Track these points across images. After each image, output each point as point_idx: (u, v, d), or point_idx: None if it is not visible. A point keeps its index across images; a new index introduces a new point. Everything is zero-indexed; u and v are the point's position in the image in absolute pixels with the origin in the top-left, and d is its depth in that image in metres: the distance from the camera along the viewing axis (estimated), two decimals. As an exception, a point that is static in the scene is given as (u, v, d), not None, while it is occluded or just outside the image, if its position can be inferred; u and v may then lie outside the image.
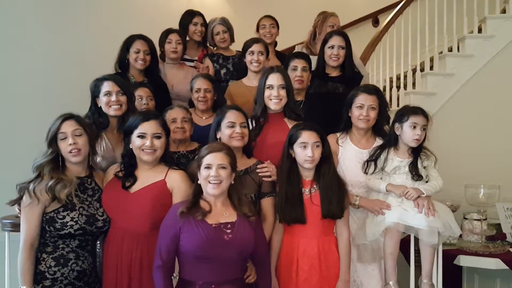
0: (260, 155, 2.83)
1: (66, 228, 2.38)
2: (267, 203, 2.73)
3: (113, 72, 3.48)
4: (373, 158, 2.89)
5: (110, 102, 2.83)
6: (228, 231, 2.35)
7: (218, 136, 2.74)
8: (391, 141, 2.90)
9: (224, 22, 4.14)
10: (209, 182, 2.36)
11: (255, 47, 3.52)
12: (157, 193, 2.54)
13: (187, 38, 4.14)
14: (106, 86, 2.84)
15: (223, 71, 4.04)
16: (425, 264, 2.86)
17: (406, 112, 2.86)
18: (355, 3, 6.82)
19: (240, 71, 3.81)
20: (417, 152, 2.84)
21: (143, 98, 3.23)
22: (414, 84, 5.09)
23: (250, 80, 3.56)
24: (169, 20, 4.35)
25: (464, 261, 3.40)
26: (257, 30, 4.19)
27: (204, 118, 3.44)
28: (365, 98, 2.91)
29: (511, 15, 5.01)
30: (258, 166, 2.75)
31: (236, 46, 4.09)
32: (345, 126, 3.03)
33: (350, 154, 2.98)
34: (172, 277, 2.46)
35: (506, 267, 3.30)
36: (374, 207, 2.83)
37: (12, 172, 2.65)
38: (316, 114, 3.12)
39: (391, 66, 5.18)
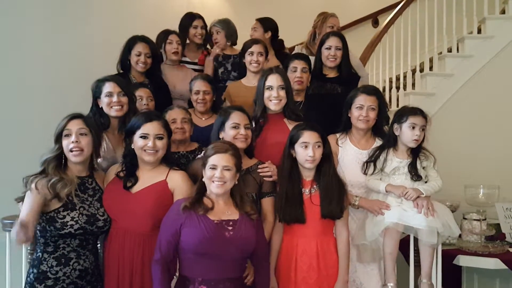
0: (260, 155, 2.84)
1: (66, 228, 2.39)
2: (267, 203, 2.74)
3: (114, 73, 3.49)
4: (373, 159, 2.90)
5: (112, 103, 2.84)
6: (230, 228, 2.37)
7: (221, 136, 2.75)
8: (390, 141, 2.91)
9: (219, 23, 4.17)
10: (213, 182, 2.38)
11: (255, 48, 3.54)
12: (159, 194, 2.55)
13: (187, 41, 4.15)
14: (108, 87, 2.85)
15: (220, 70, 4.05)
16: (425, 264, 2.87)
17: (405, 112, 2.87)
18: (355, 3, 6.84)
19: (240, 70, 3.83)
20: (416, 152, 2.85)
21: (143, 98, 3.23)
22: (413, 84, 5.10)
23: (249, 80, 3.58)
24: (170, 21, 4.35)
25: (463, 261, 3.41)
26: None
27: (203, 119, 3.46)
28: (364, 99, 2.92)
29: (511, 16, 5.01)
30: (259, 166, 2.77)
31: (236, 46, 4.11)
32: (345, 126, 3.04)
33: (349, 155, 2.99)
34: (175, 276, 2.47)
35: (506, 267, 3.31)
36: (373, 207, 2.84)
37: (13, 172, 2.66)
38: (315, 114, 3.13)
39: (390, 67, 5.19)
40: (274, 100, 2.94)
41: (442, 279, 3.09)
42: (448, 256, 3.37)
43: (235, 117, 2.73)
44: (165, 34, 3.92)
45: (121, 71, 3.57)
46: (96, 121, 2.82)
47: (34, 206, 2.32)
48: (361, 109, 2.92)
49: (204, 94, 3.43)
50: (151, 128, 2.56)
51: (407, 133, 2.82)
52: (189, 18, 4.21)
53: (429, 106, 4.40)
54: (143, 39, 3.56)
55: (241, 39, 3.93)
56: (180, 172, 2.64)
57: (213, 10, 5.42)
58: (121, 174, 2.61)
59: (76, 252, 2.44)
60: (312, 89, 3.50)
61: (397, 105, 4.82)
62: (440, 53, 5.12)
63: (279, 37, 4.34)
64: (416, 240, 2.91)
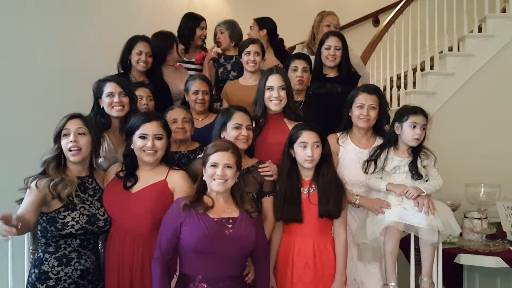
0: (260, 155, 2.85)
1: (67, 228, 2.39)
2: (268, 202, 2.75)
3: (115, 73, 3.50)
4: (373, 158, 2.90)
5: (113, 103, 2.84)
6: (230, 226, 2.38)
7: (222, 136, 2.75)
8: (391, 140, 2.91)
9: (224, 24, 4.20)
10: (214, 180, 2.38)
11: (252, 48, 3.56)
12: (159, 194, 2.56)
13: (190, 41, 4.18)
14: (109, 87, 2.85)
15: (220, 70, 4.08)
16: (425, 262, 2.87)
17: (406, 111, 2.87)
18: (356, 2, 6.83)
19: (239, 70, 3.85)
20: (416, 151, 2.85)
21: (143, 98, 3.22)
22: (414, 83, 5.11)
23: (246, 80, 3.62)
24: (170, 21, 4.35)
25: (464, 259, 3.40)
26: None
27: (200, 119, 3.45)
28: (365, 98, 2.92)
29: (511, 15, 5.01)
30: (260, 166, 2.77)
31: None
32: (346, 126, 3.04)
33: (350, 154, 2.99)
34: (175, 275, 2.48)
35: (507, 266, 3.30)
36: (374, 206, 2.84)
37: (14, 173, 2.66)
38: (315, 114, 3.13)
39: (391, 66, 5.19)
40: (274, 100, 2.95)
41: (443, 277, 3.08)
42: (449, 254, 3.36)
43: (237, 118, 2.73)
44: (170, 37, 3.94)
45: (122, 71, 3.58)
46: (97, 121, 2.83)
47: (32, 203, 2.31)
48: (362, 108, 2.92)
49: (203, 94, 3.43)
50: (150, 128, 2.56)
51: (408, 132, 2.82)
52: (196, 20, 4.23)
53: (430, 105, 4.40)
54: (144, 38, 3.57)
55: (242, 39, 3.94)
56: (180, 171, 2.64)
57: (214, 10, 5.43)
58: (121, 174, 2.62)
59: (77, 252, 2.45)
60: (312, 89, 3.50)
61: (398, 104, 4.83)
62: (441, 52, 5.13)
63: (279, 36, 4.34)
64: (416, 238, 2.91)
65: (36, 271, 2.41)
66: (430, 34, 5.11)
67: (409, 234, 2.99)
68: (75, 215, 2.42)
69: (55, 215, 2.39)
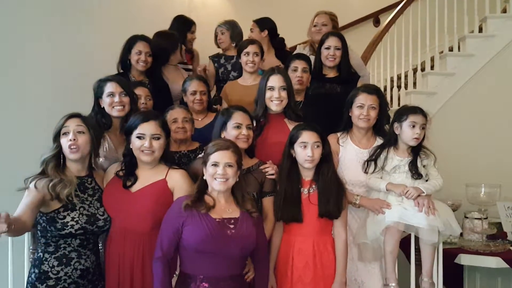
0: (260, 155, 2.85)
1: (66, 228, 2.39)
2: (268, 202, 2.74)
3: (115, 73, 3.50)
4: (373, 158, 2.90)
5: (113, 103, 2.84)
6: (231, 226, 2.38)
7: (223, 136, 2.75)
8: (390, 140, 2.91)
9: (224, 24, 4.22)
10: (215, 179, 2.38)
11: (250, 48, 3.57)
12: (158, 193, 2.55)
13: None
14: (109, 87, 2.85)
15: (221, 70, 4.10)
16: (426, 262, 2.87)
17: (405, 111, 2.87)
18: (356, 3, 6.83)
19: (240, 71, 3.86)
20: (416, 151, 2.85)
21: (141, 97, 3.21)
22: (415, 83, 5.11)
23: (245, 80, 3.63)
24: (171, 21, 4.36)
25: (465, 260, 3.40)
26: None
27: (200, 119, 3.46)
28: (365, 98, 2.92)
29: (512, 15, 5.02)
30: (262, 166, 2.77)
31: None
32: (346, 125, 3.04)
33: (350, 154, 2.99)
34: (174, 275, 2.48)
35: (507, 266, 3.30)
36: (374, 206, 2.84)
37: (14, 173, 2.66)
38: (315, 114, 3.13)
39: (392, 66, 5.19)
40: (275, 100, 2.95)
41: (443, 278, 3.08)
42: (450, 255, 3.36)
43: (238, 117, 2.73)
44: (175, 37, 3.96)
45: (121, 71, 3.58)
46: (98, 121, 2.83)
47: (30, 204, 2.31)
48: (362, 108, 2.92)
49: (201, 95, 3.44)
50: (147, 128, 2.55)
51: (407, 131, 2.82)
52: (187, 24, 4.25)
53: (430, 105, 4.40)
54: (143, 38, 3.57)
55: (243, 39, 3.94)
56: (179, 170, 2.64)
57: (214, 9, 5.42)
58: (121, 174, 2.62)
59: (77, 251, 2.44)
60: (312, 89, 3.51)
61: (398, 104, 4.83)
62: (441, 52, 5.13)
63: (280, 36, 4.34)
64: (417, 239, 2.91)
65: (36, 270, 2.41)
66: (431, 34, 5.11)
67: (409, 234, 3.00)
68: (75, 215, 2.42)
69: (54, 215, 2.39)
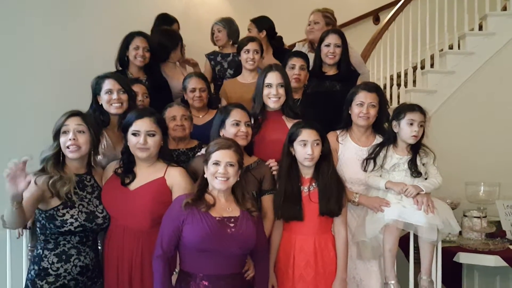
0: (258, 152, 2.84)
1: (66, 226, 2.39)
2: (267, 200, 2.74)
3: (113, 70, 3.49)
4: (372, 156, 2.90)
5: (111, 100, 2.84)
6: (231, 225, 2.38)
7: (221, 134, 2.75)
8: (390, 138, 2.91)
9: (221, 22, 4.21)
10: (216, 178, 2.38)
11: (250, 46, 3.56)
12: (157, 190, 2.55)
13: None
14: (108, 84, 2.85)
15: (217, 68, 4.09)
16: (424, 261, 2.88)
17: (403, 109, 2.87)
18: (356, 0, 6.81)
19: (236, 68, 3.86)
20: (416, 149, 2.85)
21: (138, 94, 3.20)
22: (414, 81, 5.10)
23: (245, 78, 3.63)
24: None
25: (463, 258, 3.41)
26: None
27: (200, 116, 3.46)
28: (365, 96, 2.92)
29: (512, 13, 5.01)
30: (267, 162, 2.78)
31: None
32: (345, 123, 3.04)
33: (350, 152, 2.99)
34: (174, 272, 2.48)
35: (506, 264, 3.30)
36: (373, 204, 2.84)
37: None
38: (313, 112, 3.13)
39: (391, 64, 5.18)
40: (273, 97, 2.94)
41: (442, 276, 3.08)
42: (449, 253, 3.37)
43: (236, 115, 2.73)
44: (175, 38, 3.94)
45: (120, 68, 3.57)
46: (96, 118, 2.82)
47: (30, 199, 2.30)
48: (362, 106, 2.92)
49: (200, 92, 3.44)
50: (142, 124, 2.55)
51: (405, 129, 2.82)
52: (167, 22, 4.24)
53: (430, 103, 4.41)
54: (141, 33, 3.56)
55: (241, 37, 3.92)
56: (178, 168, 2.63)
57: (213, 7, 5.41)
58: (119, 171, 2.61)
59: (76, 248, 2.45)
60: (311, 87, 3.50)
61: (398, 102, 4.81)
62: (441, 50, 5.11)
63: (277, 34, 4.33)
64: (416, 237, 2.91)
65: (36, 267, 2.41)
66: (431, 32, 5.10)
67: (409, 232, 2.99)
68: (74, 212, 2.42)
69: (53, 213, 2.39)
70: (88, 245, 2.50)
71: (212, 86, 4.03)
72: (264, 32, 4.22)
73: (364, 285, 2.93)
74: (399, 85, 5.05)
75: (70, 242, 2.44)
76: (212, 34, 4.27)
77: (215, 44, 4.30)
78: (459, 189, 3.76)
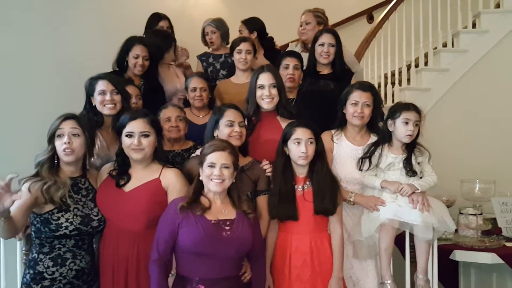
0: (253, 153, 2.84)
1: (61, 229, 2.38)
2: (263, 201, 2.73)
3: (108, 72, 3.47)
4: (368, 155, 2.90)
5: (105, 101, 2.83)
6: (227, 228, 2.37)
7: (215, 134, 2.75)
8: (385, 137, 2.91)
9: (214, 23, 4.20)
10: (212, 180, 2.37)
11: (243, 46, 3.57)
12: (152, 192, 2.54)
13: None
14: (101, 85, 2.84)
15: (209, 69, 4.09)
16: (420, 259, 2.88)
17: (398, 108, 2.88)
18: (350, -1, 6.83)
19: (229, 69, 3.86)
20: (411, 148, 2.86)
21: (132, 96, 3.18)
22: (409, 80, 5.10)
23: (238, 78, 3.64)
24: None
25: (459, 256, 3.40)
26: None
27: (201, 116, 3.48)
28: (359, 95, 2.92)
29: (505, 10, 4.99)
30: (261, 165, 2.77)
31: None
32: (340, 123, 3.04)
33: (345, 151, 2.99)
34: (170, 275, 2.47)
35: (502, 262, 3.30)
36: (369, 204, 2.84)
37: (5, 174, 2.64)
38: (308, 111, 3.13)
39: (385, 62, 5.18)
40: (266, 98, 2.94)
41: (439, 274, 3.08)
42: (445, 251, 3.37)
43: (230, 115, 2.72)
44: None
45: (117, 69, 3.55)
46: (89, 119, 2.81)
47: (24, 204, 2.30)
48: (356, 106, 2.92)
49: (200, 91, 3.46)
50: (135, 125, 2.54)
51: (400, 128, 2.82)
52: (155, 19, 4.22)
53: (424, 101, 4.42)
54: (141, 41, 3.54)
55: (233, 38, 3.92)
56: (173, 169, 2.63)
57: (207, 8, 5.40)
58: (114, 173, 2.60)
59: (72, 252, 2.44)
60: (305, 86, 3.50)
61: (393, 101, 4.83)
62: (435, 48, 5.12)
63: (268, 35, 4.33)
64: (411, 236, 2.91)
65: (31, 271, 2.40)
66: (424, 30, 5.10)
67: (405, 231, 2.99)
68: (69, 216, 2.41)
69: (48, 217, 2.39)
70: (84, 248, 2.49)
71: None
72: (255, 33, 4.22)
73: (360, 284, 2.92)
74: (393, 83, 5.06)
75: (65, 245, 2.43)
76: (204, 35, 4.25)
77: (205, 45, 4.29)
78: (455, 186, 3.76)
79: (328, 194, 2.65)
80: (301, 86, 3.51)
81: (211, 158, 2.38)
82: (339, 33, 3.60)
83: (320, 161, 2.70)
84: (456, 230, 3.54)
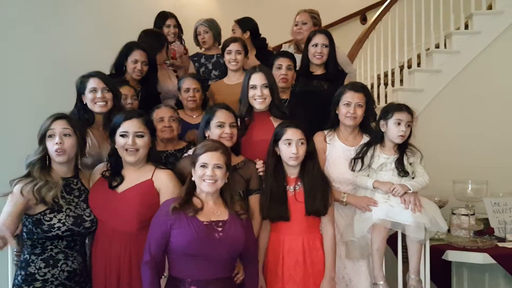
0: (246, 153, 2.84)
1: (53, 230, 2.37)
2: (255, 200, 2.74)
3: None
4: (360, 156, 2.91)
5: (96, 98, 2.82)
6: (219, 229, 2.37)
7: (207, 135, 2.74)
8: (377, 138, 2.92)
9: (206, 22, 4.20)
10: (204, 180, 2.37)
11: (233, 46, 3.56)
12: (145, 193, 2.54)
13: None
14: (92, 83, 2.83)
15: (202, 69, 4.09)
16: (413, 260, 2.88)
17: (391, 109, 2.89)
18: (343, 0, 6.84)
19: (221, 69, 3.86)
20: (403, 148, 2.87)
21: (127, 97, 3.19)
22: (401, 81, 5.11)
23: (230, 78, 3.64)
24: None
25: (452, 256, 3.42)
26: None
27: (194, 116, 3.47)
28: (352, 96, 2.93)
29: (498, 11, 5.01)
30: (256, 166, 2.77)
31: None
32: (333, 123, 3.04)
33: (337, 152, 2.99)
34: (163, 276, 2.46)
35: (494, 262, 3.31)
36: (361, 204, 2.85)
37: (5, 171, 2.63)
38: (301, 112, 3.13)
39: (378, 63, 5.20)
40: (258, 99, 2.93)
41: (431, 274, 3.08)
42: (437, 251, 3.38)
43: (220, 116, 2.72)
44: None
45: (114, 72, 3.53)
46: (80, 117, 2.81)
47: (16, 210, 2.30)
48: (349, 106, 2.92)
49: (194, 92, 3.46)
50: (130, 125, 2.54)
51: (392, 129, 2.83)
52: (162, 18, 4.23)
53: (417, 102, 4.44)
54: (141, 47, 3.52)
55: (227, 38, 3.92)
56: (166, 171, 2.62)
57: (201, 9, 5.40)
58: (107, 174, 2.59)
59: (64, 253, 2.43)
60: (298, 86, 3.50)
61: (385, 102, 4.84)
62: (428, 49, 5.14)
63: (261, 35, 4.33)
64: (404, 236, 2.92)
65: (23, 273, 2.39)
66: (417, 31, 5.12)
67: (397, 232, 3.00)
68: (61, 217, 2.40)
69: (40, 217, 2.38)
70: (76, 249, 2.48)
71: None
72: (248, 33, 4.22)
73: (353, 284, 2.93)
74: (386, 84, 5.07)
75: (57, 246, 2.42)
76: (197, 35, 4.24)
77: (197, 45, 4.29)
78: (447, 187, 3.77)
79: (319, 194, 2.65)
80: (294, 86, 3.50)
81: (203, 158, 2.38)
82: (333, 34, 3.61)
83: (311, 161, 2.70)
84: (449, 230, 3.56)
